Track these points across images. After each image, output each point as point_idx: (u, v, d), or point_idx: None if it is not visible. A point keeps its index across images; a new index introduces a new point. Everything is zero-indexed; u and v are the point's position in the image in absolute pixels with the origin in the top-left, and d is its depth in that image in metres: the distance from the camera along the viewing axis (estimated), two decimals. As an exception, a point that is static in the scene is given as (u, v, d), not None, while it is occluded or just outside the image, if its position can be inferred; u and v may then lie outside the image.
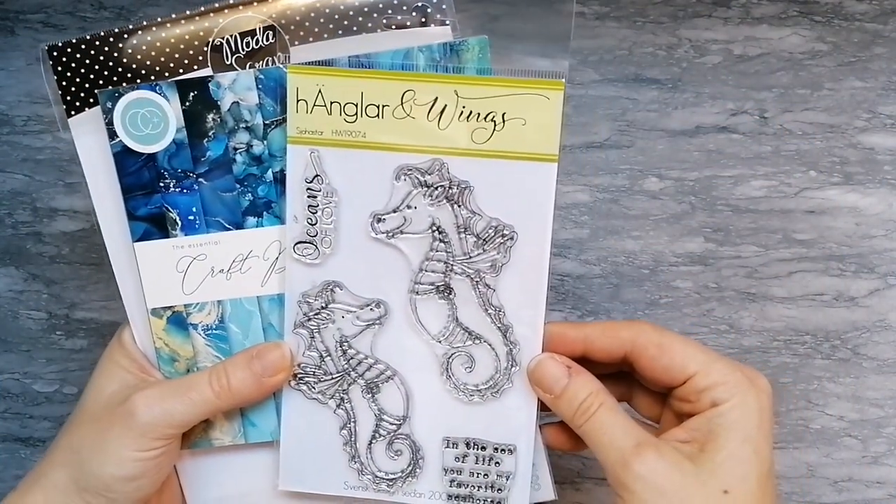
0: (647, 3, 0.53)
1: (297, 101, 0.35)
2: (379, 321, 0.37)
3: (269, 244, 0.37)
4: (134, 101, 0.36)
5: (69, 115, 0.37)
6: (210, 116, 0.36)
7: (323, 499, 0.40)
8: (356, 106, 0.35)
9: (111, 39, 0.37)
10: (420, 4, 0.37)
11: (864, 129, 0.52)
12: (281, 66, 0.36)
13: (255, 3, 0.37)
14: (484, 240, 0.36)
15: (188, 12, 0.37)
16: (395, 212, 0.36)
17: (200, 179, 0.36)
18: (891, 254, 0.51)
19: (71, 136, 0.37)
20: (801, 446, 0.50)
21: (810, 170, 0.52)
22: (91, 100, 0.37)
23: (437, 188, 0.36)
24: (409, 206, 0.36)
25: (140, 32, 0.37)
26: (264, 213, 0.37)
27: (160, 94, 0.36)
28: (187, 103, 0.36)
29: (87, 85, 0.37)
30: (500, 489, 0.38)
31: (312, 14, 0.37)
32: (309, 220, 0.36)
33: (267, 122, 0.36)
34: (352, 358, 0.37)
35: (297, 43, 0.37)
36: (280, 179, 0.36)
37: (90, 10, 0.52)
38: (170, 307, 0.38)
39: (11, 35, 0.52)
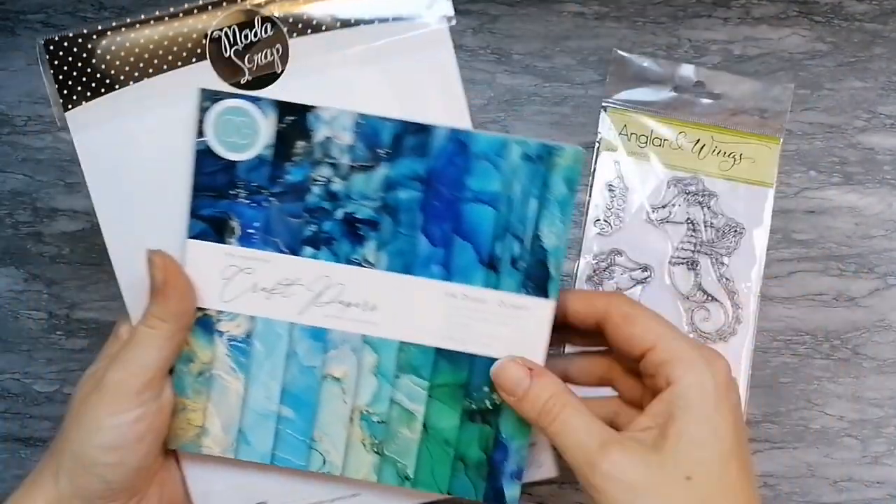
0: (647, 3, 0.53)
1: (610, 128, 0.50)
2: (646, 280, 0.50)
3: (318, 277, 0.37)
4: (231, 109, 0.36)
5: (66, 109, 0.37)
6: (300, 143, 0.37)
7: (351, 483, 0.40)
8: (647, 137, 0.51)
9: (109, 33, 0.36)
10: None
11: (864, 129, 0.52)
12: (384, 118, 0.37)
13: (254, -4, 0.37)
14: (722, 232, 0.51)
15: (186, 6, 0.37)
16: (664, 207, 0.51)
17: (272, 198, 0.37)
18: (890, 254, 0.51)
19: (68, 131, 0.37)
20: (801, 446, 0.50)
21: (810, 170, 0.52)
22: (88, 94, 0.37)
23: (694, 195, 0.51)
24: (674, 205, 0.51)
25: (138, 26, 0.36)
26: (323, 246, 0.37)
27: (259, 108, 0.36)
28: (282, 125, 0.37)
29: (83, 79, 0.37)
30: None
31: (311, 6, 0.37)
32: (607, 206, 0.50)
33: (353, 164, 0.37)
34: None
35: (295, 35, 0.37)
36: (348, 221, 0.37)
37: (91, 10, 0.52)
38: (202, 309, 0.38)
39: (11, 35, 0.52)
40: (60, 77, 0.36)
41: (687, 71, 0.51)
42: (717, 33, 0.52)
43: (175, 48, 0.37)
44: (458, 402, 0.38)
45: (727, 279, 0.51)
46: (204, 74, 0.37)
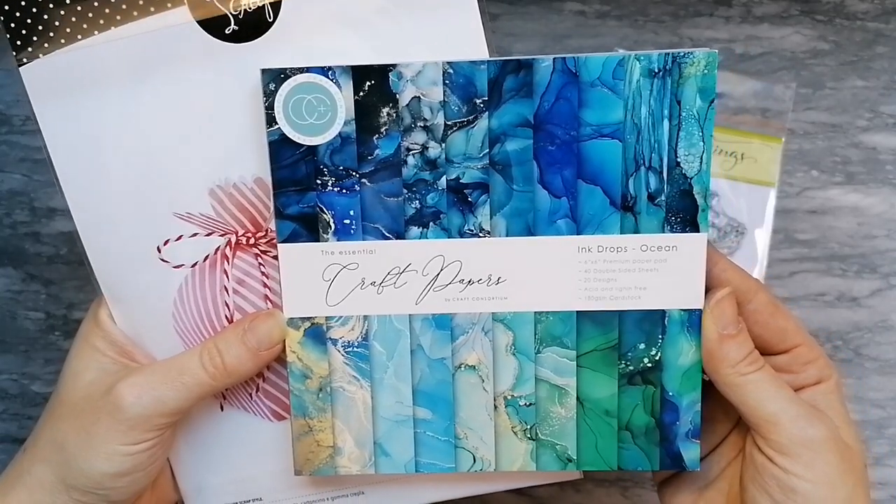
0: (649, 1, 0.52)
1: None
2: None
3: (431, 258, 0.33)
4: (301, 86, 0.32)
5: (21, 64, 0.32)
6: (385, 111, 0.32)
7: (334, 482, 0.38)
8: None
9: None
10: None
11: (867, 129, 0.52)
12: (475, 62, 0.32)
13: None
14: (724, 232, 0.50)
15: None
16: None
17: (364, 180, 0.33)
18: (893, 254, 0.51)
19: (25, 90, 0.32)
20: (803, 447, 0.50)
21: (812, 169, 0.52)
22: (45, 44, 0.32)
23: None
24: None
25: None
26: (430, 223, 0.33)
27: (332, 79, 0.32)
28: (361, 93, 0.32)
29: (38, 25, 0.32)
30: None
31: None
32: None
33: (449, 122, 0.32)
34: None
35: None
36: (454, 189, 0.33)
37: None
38: (309, 318, 0.34)
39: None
40: (12, 24, 0.32)
41: None
42: (719, 32, 0.52)
43: None
44: (612, 367, 0.34)
45: None
46: (182, 26, 0.32)
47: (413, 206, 0.33)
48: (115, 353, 0.35)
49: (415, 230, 0.33)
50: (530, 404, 0.35)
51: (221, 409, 0.38)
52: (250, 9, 0.32)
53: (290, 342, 0.34)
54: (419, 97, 0.32)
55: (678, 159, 0.32)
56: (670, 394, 0.35)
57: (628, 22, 0.52)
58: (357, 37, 0.33)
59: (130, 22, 0.32)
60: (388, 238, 0.33)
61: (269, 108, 0.32)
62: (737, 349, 0.33)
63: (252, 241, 0.35)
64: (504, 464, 0.35)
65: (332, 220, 0.33)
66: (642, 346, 0.34)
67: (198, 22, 0.32)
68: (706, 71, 0.31)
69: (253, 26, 0.32)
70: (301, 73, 0.32)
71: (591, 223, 0.33)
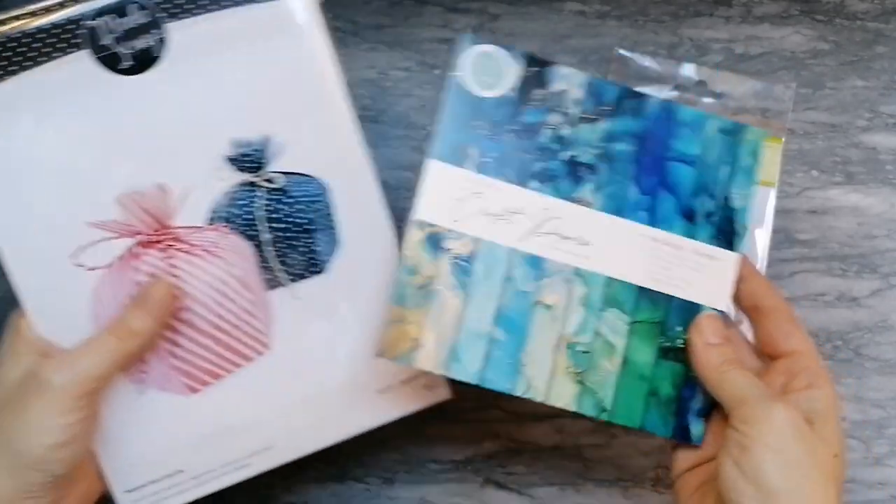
0: (649, 2, 0.52)
1: None
2: None
3: (540, 209, 0.41)
4: (488, 53, 0.40)
5: None
6: (539, 91, 0.41)
7: (264, 437, 0.42)
8: None
9: None
10: None
11: (867, 129, 0.52)
12: (610, 82, 0.42)
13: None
14: None
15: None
16: None
17: (510, 134, 0.40)
18: (893, 254, 0.51)
19: None
20: (803, 447, 0.50)
21: (812, 169, 0.52)
22: None
23: None
24: None
25: (12, 20, 0.37)
26: (547, 182, 0.41)
27: (511, 55, 0.41)
28: (528, 73, 0.41)
29: None
30: None
31: None
32: None
33: (581, 115, 0.41)
34: None
35: (171, 19, 0.38)
36: (572, 163, 0.41)
37: None
38: (433, 225, 0.40)
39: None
40: None
41: (688, 70, 0.51)
42: (719, 32, 0.52)
43: (49, 39, 0.37)
44: (655, 339, 0.41)
45: None
46: (82, 64, 0.38)
47: (539, 165, 0.41)
48: (37, 354, 0.38)
49: (535, 183, 0.41)
50: (586, 352, 0.41)
51: (140, 392, 0.40)
52: (143, 47, 0.38)
53: (412, 240, 0.39)
54: (566, 90, 0.41)
55: (729, 194, 0.42)
56: (692, 374, 0.40)
57: (628, 22, 0.52)
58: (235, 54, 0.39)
59: (37, 67, 0.37)
60: (512, 183, 0.40)
61: (457, 60, 0.40)
62: (717, 355, 0.39)
63: (158, 239, 0.40)
64: (553, 398, 0.40)
65: (476, 155, 0.40)
66: (679, 328, 0.41)
67: (98, 61, 0.38)
68: (757, 140, 0.42)
69: (144, 61, 0.38)
70: (491, 45, 0.40)
71: (662, 220, 0.41)
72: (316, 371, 0.42)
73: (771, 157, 0.51)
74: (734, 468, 0.35)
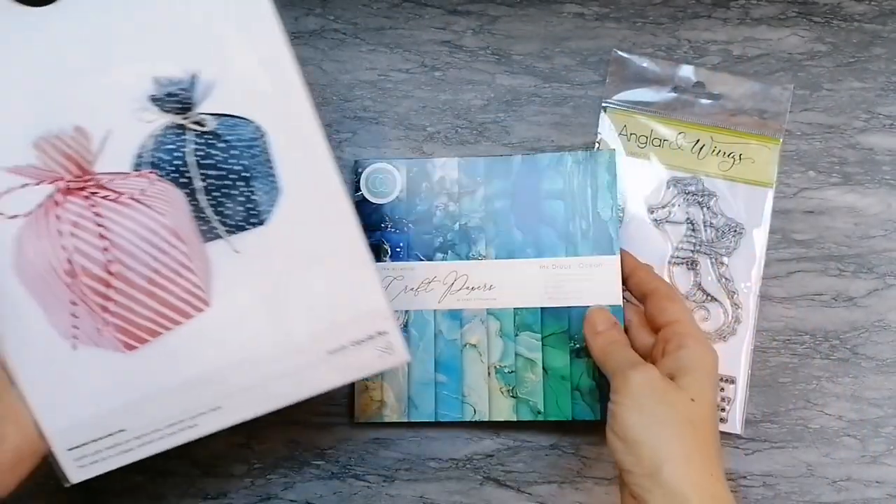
0: (647, 3, 0.53)
1: (610, 128, 0.52)
2: None
3: (448, 273, 0.50)
4: (377, 169, 0.51)
5: None
6: (424, 184, 0.51)
7: (207, 398, 0.40)
8: (647, 137, 0.52)
9: None
10: None
11: (863, 130, 0.52)
12: (478, 157, 0.51)
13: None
14: (722, 232, 0.51)
15: None
16: (663, 207, 0.52)
17: (410, 225, 0.51)
18: (889, 254, 0.51)
19: None
20: (801, 446, 0.50)
21: (809, 170, 0.52)
22: None
23: (693, 195, 0.51)
24: (673, 205, 0.52)
25: None
26: (449, 251, 0.50)
27: (395, 167, 0.51)
28: (410, 175, 0.51)
29: None
30: (722, 409, 0.50)
31: None
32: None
33: (461, 191, 0.51)
34: None
35: None
36: (464, 230, 0.50)
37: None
38: None
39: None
40: None
41: (686, 71, 0.51)
42: (717, 34, 0.52)
43: None
44: (565, 345, 0.49)
45: (727, 279, 0.51)
46: None
47: (439, 240, 0.51)
48: None
49: (440, 255, 0.50)
50: (512, 371, 0.50)
51: (74, 347, 0.39)
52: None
53: None
54: (444, 176, 0.51)
55: (597, 210, 0.49)
56: None
57: (627, 24, 0.53)
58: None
59: None
60: (422, 260, 0.50)
61: (357, 181, 0.51)
62: (602, 340, 0.46)
63: (80, 185, 0.38)
64: (495, 414, 0.49)
65: (389, 249, 0.50)
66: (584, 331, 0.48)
67: None
68: (609, 159, 0.50)
69: None
70: (378, 162, 0.51)
71: (547, 250, 0.50)
72: (259, 330, 0.39)
73: (769, 158, 0.51)
74: (611, 433, 0.41)
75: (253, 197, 0.38)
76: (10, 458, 0.38)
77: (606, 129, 0.52)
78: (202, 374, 0.39)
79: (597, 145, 0.52)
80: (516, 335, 0.49)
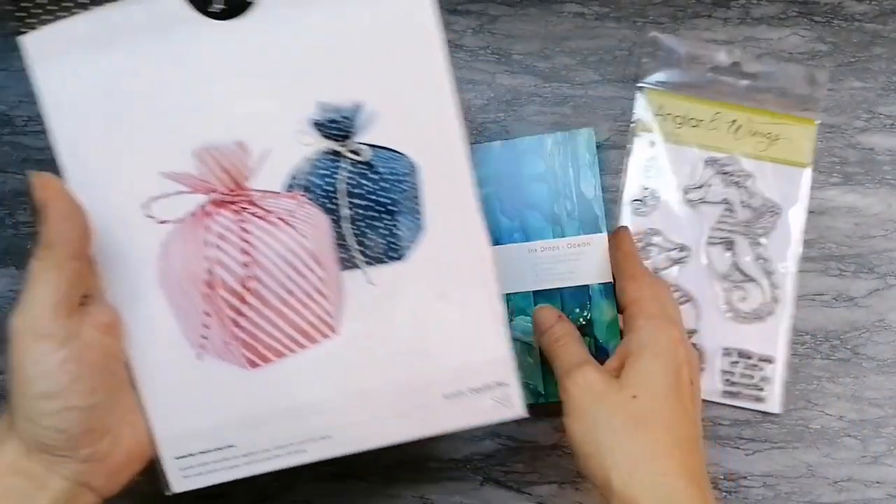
0: (647, 3, 0.53)
1: (646, 109, 0.51)
2: (683, 260, 0.51)
3: None
4: None
5: (19, 33, 0.35)
6: None
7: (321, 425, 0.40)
8: (683, 118, 0.51)
9: None
10: None
11: (864, 130, 0.52)
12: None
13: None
14: (759, 212, 0.51)
15: None
16: (700, 187, 0.51)
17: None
18: (890, 254, 0.51)
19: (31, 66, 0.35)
20: (801, 446, 0.50)
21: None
22: (43, 15, 0.36)
23: (730, 175, 0.51)
24: (710, 185, 0.51)
25: None
26: None
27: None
28: None
29: None
30: (760, 389, 0.50)
31: None
32: (643, 186, 0.51)
33: None
34: None
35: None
36: None
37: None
38: None
39: (12, 35, 0.52)
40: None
41: (722, 53, 0.51)
42: (717, 33, 0.52)
43: None
44: None
45: (764, 259, 0.51)
46: (173, 2, 0.36)
47: None
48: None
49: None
50: None
51: (199, 358, 0.39)
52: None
53: None
54: None
55: (581, 190, 0.49)
56: (601, 341, 0.49)
57: (627, 24, 0.52)
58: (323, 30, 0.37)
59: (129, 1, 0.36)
60: None
61: None
62: (547, 338, 0.44)
63: (232, 199, 0.38)
64: None
65: None
66: (577, 310, 0.49)
67: (187, 1, 0.36)
68: (588, 138, 0.49)
69: (235, 6, 0.36)
70: None
71: (534, 233, 0.49)
72: (381, 364, 0.39)
73: (805, 138, 0.51)
74: (569, 436, 0.41)
75: (396, 231, 0.39)
76: (122, 459, 0.38)
77: (642, 109, 0.51)
78: (319, 401, 0.39)
79: (632, 126, 0.51)
80: (511, 320, 0.49)
